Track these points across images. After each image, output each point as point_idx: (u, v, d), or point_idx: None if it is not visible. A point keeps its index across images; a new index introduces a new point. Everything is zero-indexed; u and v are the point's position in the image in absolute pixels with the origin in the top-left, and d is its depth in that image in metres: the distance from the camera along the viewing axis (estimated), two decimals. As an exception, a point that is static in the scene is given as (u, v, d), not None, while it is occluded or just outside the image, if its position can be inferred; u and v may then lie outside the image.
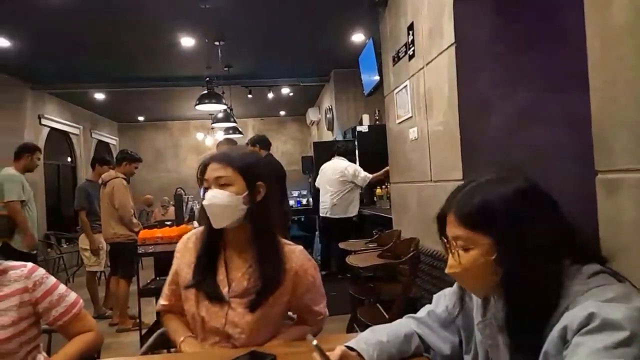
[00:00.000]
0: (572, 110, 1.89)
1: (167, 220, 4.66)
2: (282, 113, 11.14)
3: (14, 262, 1.36)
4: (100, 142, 10.02)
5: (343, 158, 5.26)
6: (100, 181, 4.42)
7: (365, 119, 6.51)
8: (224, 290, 1.33)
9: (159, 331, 1.53)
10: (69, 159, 8.72)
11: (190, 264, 1.39)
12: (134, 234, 4.20)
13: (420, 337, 1.14)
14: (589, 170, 1.38)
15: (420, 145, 3.20)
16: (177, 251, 1.46)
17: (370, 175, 5.12)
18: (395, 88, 3.66)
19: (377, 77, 5.15)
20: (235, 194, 1.30)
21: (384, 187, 5.22)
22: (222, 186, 1.30)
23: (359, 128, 6.13)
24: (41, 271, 1.36)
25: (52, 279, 1.38)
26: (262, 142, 4.68)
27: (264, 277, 1.32)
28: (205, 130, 10.64)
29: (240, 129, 7.82)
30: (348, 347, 1.08)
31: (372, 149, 5.64)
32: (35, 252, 4.08)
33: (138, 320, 3.45)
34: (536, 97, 2.38)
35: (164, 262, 2.20)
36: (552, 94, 2.32)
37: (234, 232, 1.35)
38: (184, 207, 4.49)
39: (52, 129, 7.79)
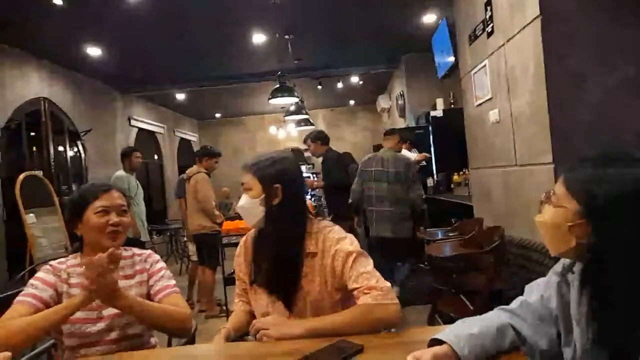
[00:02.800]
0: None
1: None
2: (352, 102, 11.08)
3: (139, 250, 1.61)
4: (182, 139, 10.66)
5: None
6: (184, 176, 4.69)
7: (439, 103, 6.28)
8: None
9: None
10: (156, 157, 9.36)
11: (249, 263, 1.47)
12: (217, 225, 4.42)
13: (514, 329, 1.08)
14: None
15: (503, 128, 3.01)
16: (238, 255, 1.54)
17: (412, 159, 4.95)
18: (473, 69, 3.47)
19: (451, 59, 4.93)
20: (252, 197, 1.40)
21: (461, 172, 5.02)
22: (246, 191, 1.41)
23: (432, 113, 5.94)
24: (156, 256, 1.61)
25: (162, 264, 1.61)
26: (322, 138, 4.67)
27: (283, 278, 1.37)
28: (278, 124, 10.90)
29: (311, 121, 7.91)
30: (436, 339, 1.04)
31: (448, 134, 5.44)
32: (146, 240, 4.74)
33: (224, 307, 3.63)
34: None
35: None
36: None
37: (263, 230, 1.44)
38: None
39: (140, 129, 8.40)
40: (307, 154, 9.01)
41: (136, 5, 4.20)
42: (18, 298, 1.38)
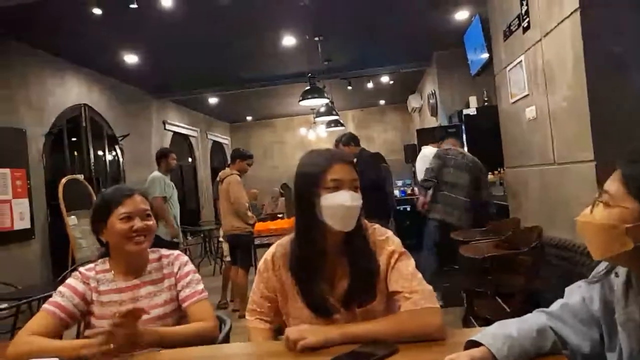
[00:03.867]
0: None
1: (279, 213, 4.89)
2: (382, 102, 11.00)
3: (167, 251, 1.59)
4: (215, 142, 10.86)
5: (431, 146, 5.07)
6: (217, 178, 4.78)
7: (473, 101, 6.14)
8: (331, 299, 1.30)
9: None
10: (189, 159, 9.57)
11: (280, 281, 1.35)
12: (250, 227, 4.48)
13: (555, 332, 1.04)
14: None
15: (540, 125, 2.92)
16: (265, 271, 1.38)
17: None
18: (508, 65, 3.38)
19: (485, 55, 4.82)
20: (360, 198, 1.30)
21: (495, 172, 4.89)
22: (356, 189, 1.29)
23: (465, 111, 5.81)
24: (185, 258, 1.58)
25: (191, 266, 1.58)
26: (355, 140, 4.65)
27: (360, 280, 1.28)
28: (308, 125, 10.95)
29: (341, 122, 7.90)
30: (473, 340, 1.01)
31: (482, 132, 5.31)
32: (178, 241, 4.79)
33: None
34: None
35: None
36: None
37: (336, 238, 1.30)
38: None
39: (175, 132, 8.62)
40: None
41: (169, 12, 4.30)
42: (45, 305, 1.42)
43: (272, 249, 1.42)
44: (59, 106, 5.43)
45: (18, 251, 4.56)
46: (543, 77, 2.81)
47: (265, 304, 1.38)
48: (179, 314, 1.52)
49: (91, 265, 1.54)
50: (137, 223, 1.47)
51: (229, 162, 5.12)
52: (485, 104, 6.06)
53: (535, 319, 1.07)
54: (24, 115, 4.84)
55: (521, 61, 3.11)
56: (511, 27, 3.24)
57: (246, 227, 4.51)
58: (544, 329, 1.03)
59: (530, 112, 3.03)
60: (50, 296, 1.48)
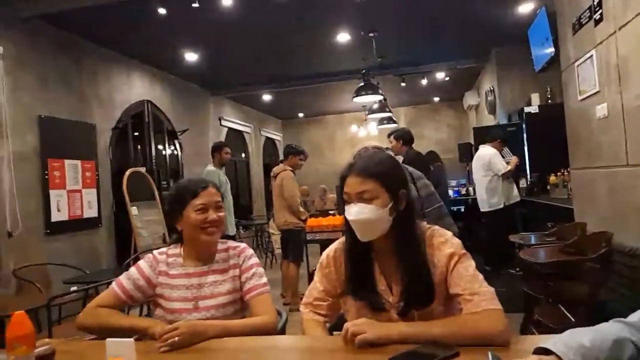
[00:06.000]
0: None
1: (330, 210, 4.92)
2: (436, 99, 10.74)
3: (234, 243, 1.65)
4: (267, 138, 11.08)
5: (489, 145, 4.88)
6: (271, 174, 4.87)
7: (535, 98, 5.86)
8: (389, 299, 1.29)
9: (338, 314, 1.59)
10: (243, 155, 9.82)
11: (341, 278, 1.36)
12: (302, 222, 4.53)
13: (635, 344, 0.97)
14: None
15: (612, 124, 2.74)
16: (325, 267, 1.41)
17: (504, 169, 4.65)
18: (576, 60, 3.20)
19: (550, 50, 4.59)
20: (380, 207, 1.25)
21: (559, 173, 4.64)
22: (366, 200, 1.25)
23: (527, 109, 5.57)
24: (250, 251, 1.63)
25: (256, 260, 1.63)
26: (404, 138, 4.43)
27: (411, 287, 1.25)
28: (359, 122, 10.90)
29: (394, 118, 7.80)
30: (542, 348, 0.97)
31: (544, 132, 5.07)
32: (234, 234, 4.93)
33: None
34: None
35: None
36: None
37: (380, 241, 1.30)
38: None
39: (230, 129, 8.87)
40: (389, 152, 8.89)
41: (227, 11, 4.43)
42: (113, 284, 1.55)
43: (335, 244, 1.44)
44: (125, 102, 5.74)
45: (87, 238, 4.88)
46: (617, 72, 2.63)
47: (324, 298, 1.41)
48: (241, 305, 1.57)
49: (164, 249, 1.63)
50: (211, 214, 1.53)
51: (281, 158, 5.19)
52: (549, 101, 5.77)
53: (612, 328, 1.00)
54: (94, 111, 5.16)
55: (592, 56, 2.93)
56: (581, 20, 3.05)
57: (298, 223, 4.57)
58: (621, 341, 0.96)
59: (600, 110, 2.85)
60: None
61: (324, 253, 1.45)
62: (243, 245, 1.66)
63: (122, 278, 1.55)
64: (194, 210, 1.52)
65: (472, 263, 1.27)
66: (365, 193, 1.26)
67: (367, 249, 1.33)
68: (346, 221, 1.32)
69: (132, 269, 1.57)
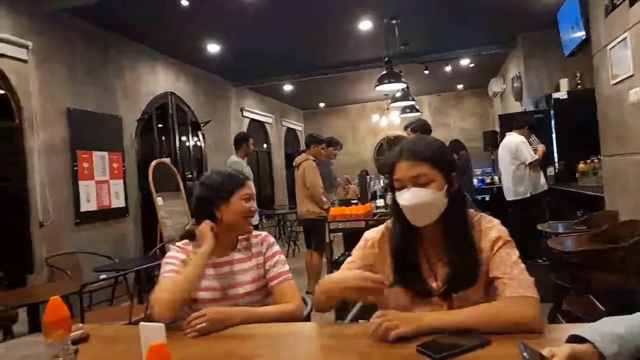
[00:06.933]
0: None
1: (352, 199, 4.90)
2: (460, 87, 10.54)
3: (255, 231, 1.67)
4: (288, 129, 11.09)
5: (516, 132, 4.73)
6: (293, 163, 4.88)
7: (563, 84, 5.69)
8: (433, 285, 1.28)
9: (359, 305, 1.59)
10: (265, 146, 9.87)
11: (383, 263, 1.35)
12: (324, 211, 4.54)
13: None
14: None
15: (646, 109, 2.64)
16: (370, 247, 1.38)
17: (531, 158, 4.50)
18: (609, 43, 3.08)
19: (581, 34, 4.42)
20: (437, 190, 1.23)
21: (588, 161, 4.51)
22: (422, 184, 1.23)
23: (555, 95, 5.41)
24: (272, 239, 1.67)
25: (277, 247, 1.66)
26: (422, 129, 4.37)
27: (458, 267, 1.24)
28: (380, 112, 10.79)
29: (417, 107, 7.69)
30: (575, 335, 0.94)
31: (573, 118, 4.93)
32: (257, 223, 4.93)
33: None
34: None
35: (352, 237, 2.28)
36: None
37: (430, 226, 1.28)
38: (367, 187, 4.64)
39: (251, 119, 8.91)
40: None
41: (249, 1, 4.43)
42: (162, 276, 1.50)
43: (381, 227, 1.41)
44: (149, 94, 5.83)
45: (114, 227, 5.00)
46: (652, 55, 2.53)
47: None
48: (266, 292, 1.59)
49: (186, 240, 1.63)
50: (253, 204, 1.61)
51: (302, 148, 5.19)
52: (578, 87, 5.59)
53: (647, 318, 0.98)
54: (120, 103, 5.26)
55: (625, 38, 2.82)
56: (614, 1, 2.94)
57: (320, 212, 4.57)
58: (656, 329, 0.94)
59: (635, 94, 2.75)
60: (145, 269, 1.59)
61: (368, 233, 1.42)
62: (264, 233, 1.69)
63: (169, 267, 1.50)
64: (241, 198, 1.57)
65: (516, 252, 1.26)
66: (420, 177, 1.23)
67: (414, 235, 1.31)
68: (396, 208, 1.29)
69: (171, 260, 1.53)
